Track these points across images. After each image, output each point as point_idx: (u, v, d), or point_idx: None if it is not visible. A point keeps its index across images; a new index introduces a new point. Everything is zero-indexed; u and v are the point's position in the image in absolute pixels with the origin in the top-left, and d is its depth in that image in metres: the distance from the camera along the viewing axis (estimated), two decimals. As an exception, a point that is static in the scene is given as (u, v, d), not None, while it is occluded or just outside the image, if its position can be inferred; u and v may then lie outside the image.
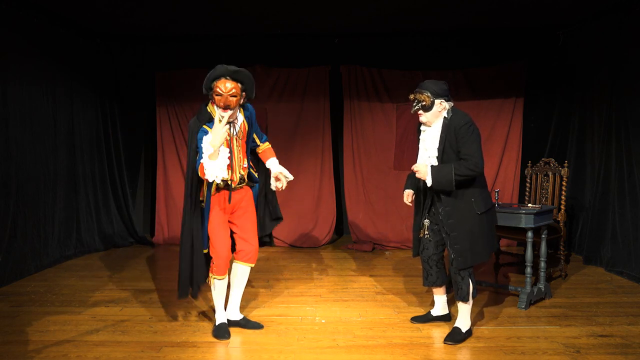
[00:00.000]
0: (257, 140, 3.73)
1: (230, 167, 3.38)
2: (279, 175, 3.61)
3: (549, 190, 4.94)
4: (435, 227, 3.51)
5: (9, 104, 4.72)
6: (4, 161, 4.65)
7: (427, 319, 3.73)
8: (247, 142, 3.61)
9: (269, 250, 6.00)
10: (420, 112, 3.35)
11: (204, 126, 3.32)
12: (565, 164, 4.86)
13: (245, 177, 3.58)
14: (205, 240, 3.52)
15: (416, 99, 3.34)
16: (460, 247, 3.31)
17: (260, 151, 3.77)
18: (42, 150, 5.24)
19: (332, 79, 6.57)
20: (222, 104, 3.25)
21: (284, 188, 3.64)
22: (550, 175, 4.96)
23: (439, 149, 3.33)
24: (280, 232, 6.36)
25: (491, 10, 5.37)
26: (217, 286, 3.57)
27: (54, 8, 5.23)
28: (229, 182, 3.45)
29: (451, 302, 3.85)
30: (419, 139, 3.51)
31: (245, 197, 3.63)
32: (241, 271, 3.70)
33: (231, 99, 3.25)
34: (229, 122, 3.37)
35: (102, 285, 4.70)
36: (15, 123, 4.81)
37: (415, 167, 3.36)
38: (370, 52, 6.48)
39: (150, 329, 3.61)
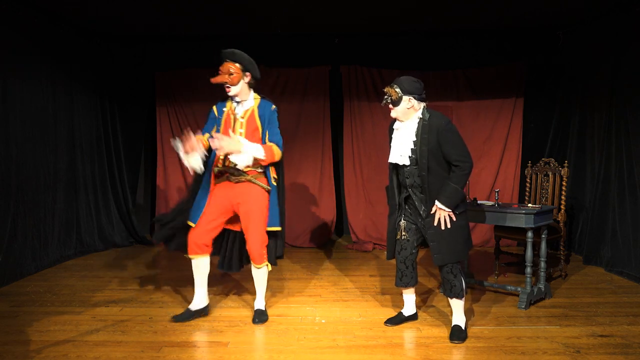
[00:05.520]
0: (266, 139, 3.69)
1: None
2: (222, 136, 3.48)
3: (549, 190, 4.94)
4: (412, 226, 3.51)
5: (9, 104, 4.72)
6: (4, 161, 4.64)
7: (399, 319, 3.72)
8: (261, 139, 3.67)
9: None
10: (390, 106, 3.37)
11: (216, 106, 3.77)
12: (565, 164, 4.86)
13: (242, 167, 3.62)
14: (193, 213, 3.68)
15: (386, 92, 3.37)
16: (437, 244, 3.34)
17: None
18: (42, 150, 5.24)
19: (332, 79, 6.56)
20: (219, 80, 3.58)
21: (215, 144, 3.43)
22: (550, 175, 4.96)
23: (412, 150, 3.33)
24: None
25: (491, 11, 5.37)
26: (193, 265, 3.76)
27: (53, 8, 5.22)
28: (226, 166, 3.62)
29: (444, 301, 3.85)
30: (390, 138, 3.53)
31: (251, 194, 3.65)
32: (252, 269, 3.77)
33: (228, 77, 3.56)
34: (232, 99, 3.68)
35: (102, 285, 4.70)
36: (15, 123, 4.81)
37: (438, 218, 3.31)
38: (370, 52, 6.47)
39: (150, 329, 3.61)
